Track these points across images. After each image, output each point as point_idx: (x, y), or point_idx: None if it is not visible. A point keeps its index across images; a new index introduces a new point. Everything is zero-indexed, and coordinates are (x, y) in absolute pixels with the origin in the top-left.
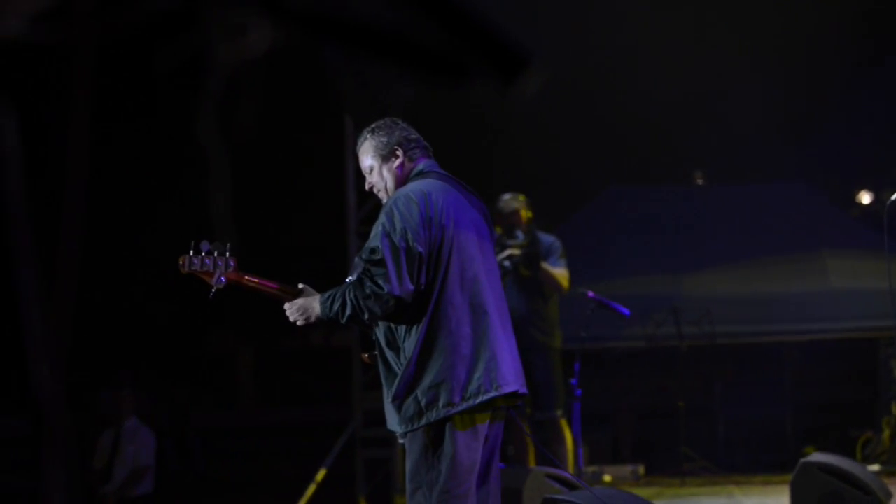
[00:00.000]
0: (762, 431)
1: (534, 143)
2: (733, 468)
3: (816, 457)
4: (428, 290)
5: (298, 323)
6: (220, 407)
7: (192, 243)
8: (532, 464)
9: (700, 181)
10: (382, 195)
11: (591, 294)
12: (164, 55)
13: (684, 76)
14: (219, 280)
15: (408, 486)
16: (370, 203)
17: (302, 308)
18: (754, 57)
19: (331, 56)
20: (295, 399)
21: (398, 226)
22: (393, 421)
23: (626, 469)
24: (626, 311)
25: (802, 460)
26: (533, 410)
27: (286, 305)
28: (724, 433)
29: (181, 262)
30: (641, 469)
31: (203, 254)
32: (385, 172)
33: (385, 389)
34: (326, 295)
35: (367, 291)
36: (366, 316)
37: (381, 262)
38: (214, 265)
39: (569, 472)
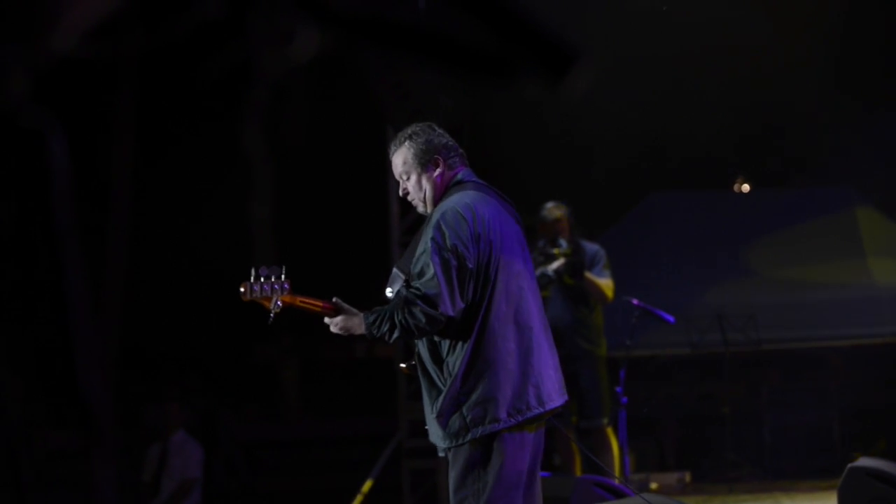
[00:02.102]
0: (809, 437)
1: (574, 150)
2: (780, 474)
3: (864, 462)
4: (475, 305)
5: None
6: (265, 419)
7: (252, 270)
8: (578, 472)
9: (744, 186)
10: (419, 205)
11: (635, 301)
12: (209, 64)
13: (727, 79)
14: (276, 304)
15: (452, 498)
16: (413, 214)
17: (344, 329)
18: (800, 59)
19: (372, 66)
20: (340, 410)
21: (448, 242)
22: (437, 436)
23: (673, 476)
24: (670, 318)
25: (850, 465)
26: (579, 419)
27: (327, 321)
28: (770, 439)
29: (243, 290)
30: (688, 476)
31: (262, 279)
32: (424, 182)
33: (427, 404)
34: (373, 315)
35: (419, 312)
36: (416, 336)
37: (433, 282)
38: (272, 290)
39: (616, 480)
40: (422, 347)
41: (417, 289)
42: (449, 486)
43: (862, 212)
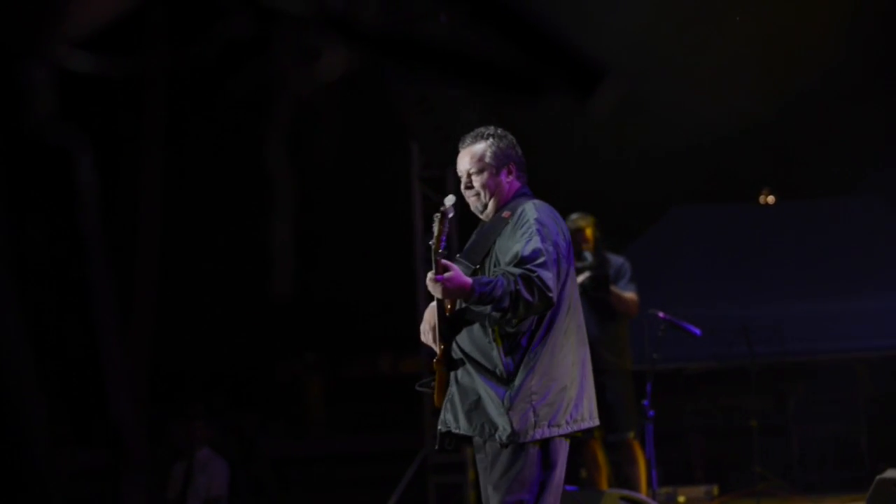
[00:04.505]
0: (836, 449)
1: (599, 163)
2: (808, 487)
3: (892, 473)
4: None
5: (437, 295)
6: (291, 436)
7: (449, 199)
8: (605, 486)
9: (769, 198)
10: (479, 203)
11: (662, 314)
12: (234, 82)
13: (752, 89)
14: (443, 240)
15: (500, 497)
16: None
17: (452, 286)
18: (826, 68)
19: (395, 81)
20: (365, 426)
21: (550, 237)
22: (500, 428)
23: (701, 490)
24: (697, 330)
25: (878, 477)
26: (605, 432)
27: (433, 279)
28: (798, 451)
29: (444, 210)
30: (715, 489)
31: (449, 216)
32: (496, 182)
33: (483, 398)
34: (486, 278)
35: (536, 290)
36: (520, 312)
37: (547, 267)
38: (447, 228)
39: (642, 494)
40: (473, 344)
41: (532, 269)
42: (492, 483)
43: (889, 221)
